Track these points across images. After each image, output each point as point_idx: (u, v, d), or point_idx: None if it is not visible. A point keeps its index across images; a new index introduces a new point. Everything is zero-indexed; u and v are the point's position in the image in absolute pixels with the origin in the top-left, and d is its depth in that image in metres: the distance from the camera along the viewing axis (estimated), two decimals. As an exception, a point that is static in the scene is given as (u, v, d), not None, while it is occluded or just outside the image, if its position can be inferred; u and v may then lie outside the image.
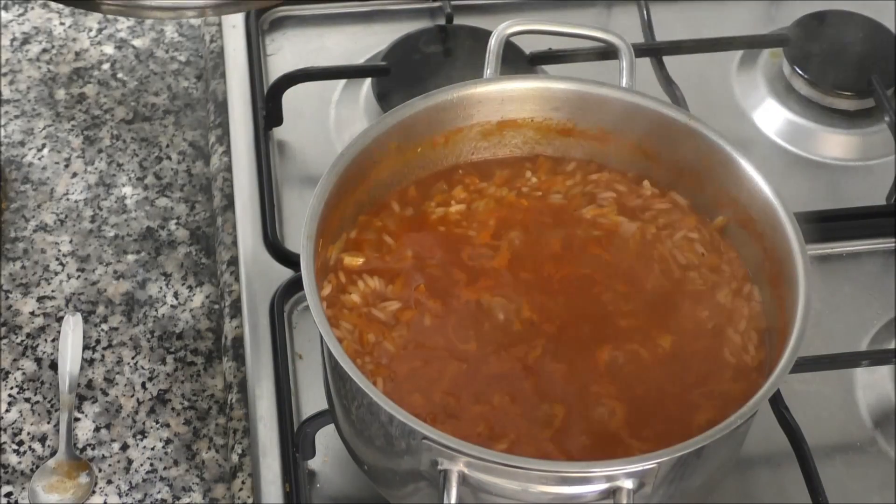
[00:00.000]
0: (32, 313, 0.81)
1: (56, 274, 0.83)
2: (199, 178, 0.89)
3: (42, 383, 0.78)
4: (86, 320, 0.80)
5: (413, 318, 0.60)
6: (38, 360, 0.79)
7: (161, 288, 0.82)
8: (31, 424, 0.76)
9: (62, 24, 0.98)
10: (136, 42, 0.97)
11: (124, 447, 0.75)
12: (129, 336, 0.80)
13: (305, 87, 0.89)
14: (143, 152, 0.90)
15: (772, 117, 0.93)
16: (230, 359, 0.77)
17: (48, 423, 0.76)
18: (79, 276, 0.83)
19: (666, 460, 0.55)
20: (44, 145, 0.90)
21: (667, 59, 0.93)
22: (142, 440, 0.75)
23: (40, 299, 0.81)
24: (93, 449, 0.75)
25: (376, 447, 0.63)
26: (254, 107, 0.89)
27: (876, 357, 0.77)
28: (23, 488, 0.73)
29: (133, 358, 0.79)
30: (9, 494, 0.73)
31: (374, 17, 0.98)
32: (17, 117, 0.91)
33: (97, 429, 0.76)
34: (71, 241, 0.84)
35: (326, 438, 0.73)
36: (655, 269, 0.63)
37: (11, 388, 0.77)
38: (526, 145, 0.70)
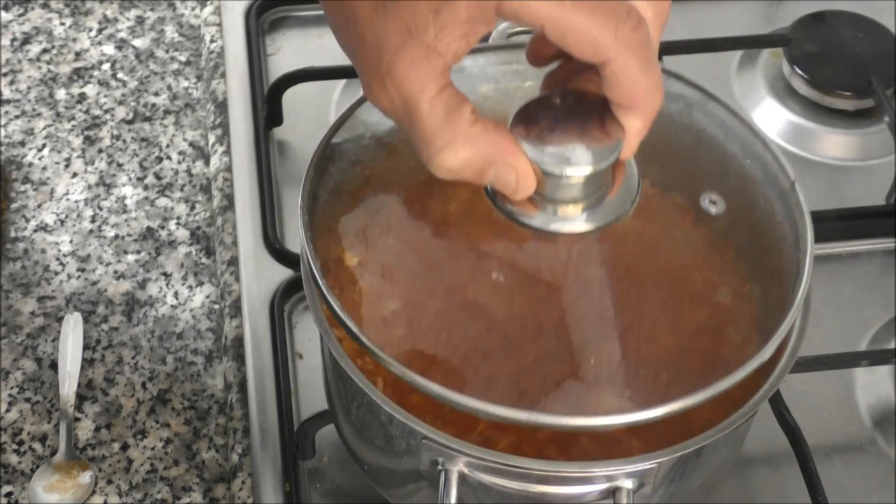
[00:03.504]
0: (32, 313, 0.81)
1: (56, 274, 0.83)
2: (199, 178, 0.89)
3: (42, 383, 0.78)
4: (86, 320, 0.80)
5: (414, 318, 0.60)
6: (38, 360, 0.79)
7: (161, 288, 0.82)
8: (31, 424, 0.76)
9: (62, 24, 0.98)
10: (136, 42, 0.97)
11: (124, 447, 0.75)
12: (129, 336, 0.80)
13: (305, 87, 0.89)
14: (143, 152, 0.90)
15: (772, 117, 0.93)
16: (230, 359, 0.77)
17: (48, 423, 0.76)
18: (79, 276, 0.83)
19: (666, 460, 0.55)
20: (44, 145, 0.90)
21: (667, 59, 0.93)
22: (142, 440, 0.75)
23: (40, 299, 0.81)
24: (93, 449, 0.75)
25: (376, 447, 0.63)
26: (254, 107, 0.89)
27: (876, 357, 0.77)
28: (23, 488, 0.73)
29: (133, 358, 0.79)
30: (9, 494, 0.73)
31: (374, 17, 0.98)
32: (17, 117, 0.91)
33: (97, 429, 0.76)
34: (71, 241, 0.85)
35: (326, 438, 0.73)
36: (655, 269, 0.63)
37: (11, 388, 0.77)
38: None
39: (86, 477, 0.73)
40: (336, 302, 0.57)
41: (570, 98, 0.57)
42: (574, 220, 0.57)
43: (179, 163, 0.90)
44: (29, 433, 0.76)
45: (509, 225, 0.59)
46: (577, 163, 0.55)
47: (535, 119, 0.57)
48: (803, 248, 0.62)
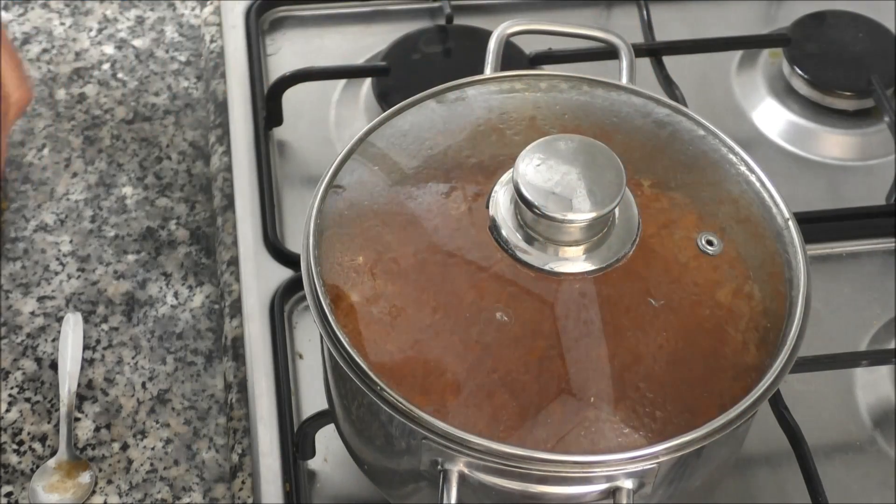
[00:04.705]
0: (32, 313, 0.81)
1: (56, 274, 0.83)
2: (199, 178, 0.89)
3: (42, 383, 0.78)
4: (86, 320, 0.80)
5: (414, 318, 0.60)
6: (38, 360, 0.79)
7: (161, 288, 0.82)
8: (31, 424, 0.76)
9: (62, 24, 0.98)
10: (136, 42, 0.97)
11: (124, 447, 0.75)
12: (129, 336, 0.80)
13: (305, 87, 0.89)
14: (143, 152, 0.90)
15: (772, 117, 0.93)
16: (230, 359, 0.77)
17: (48, 423, 0.76)
18: (79, 276, 0.83)
19: (666, 460, 0.55)
20: (44, 145, 0.90)
21: (667, 59, 0.93)
22: (142, 440, 0.75)
23: (40, 299, 0.81)
24: (93, 449, 0.75)
25: (376, 447, 0.63)
26: (254, 107, 0.89)
27: (876, 357, 0.77)
28: (23, 488, 0.73)
29: (133, 358, 0.79)
30: (9, 494, 0.73)
31: (374, 17, 0.98)
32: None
33: (97, 429, 0.76)
34: (71, 241, 0.85)
35: (326, 438, 0.73)
36: (655, 269, 0.63)
37: (11, 388, 0.77)
38: (527, 144, 0.70)
39: (86, 477, 0.73)
40: (346, 339, 0.58)
41: None
42: (576, 261, 0.59)
43: (179, 163, 0.90)
44: (29, 433, 0.76)
45: (513, 265, 0.60)
46: (579, 208, 0.57)
47: (539, 162, 0.59)
48: (799, 250, 0.63)
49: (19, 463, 0.74)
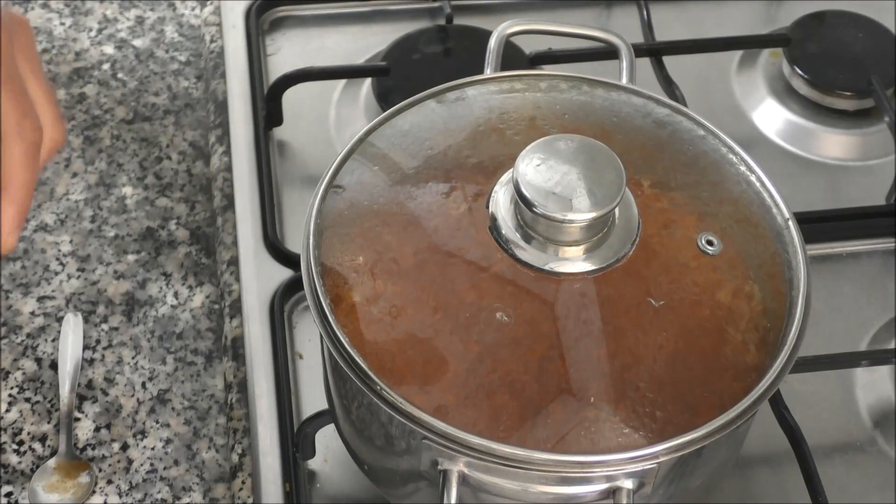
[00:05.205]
0: (32, 313, 0.81)
1: (56, 274, 0.83)
2: (199, 178, 0.89)
3: (42, 383, 0.78)
4: (86, 320, 0.80)
5: (414, 318, 0.60)
6: (38, 360, 0.79)
7: (161, 288, 0.82)
8: (31, 424, 0.76)
9: (62, 24, 0.98)
10: (136, 42, 0.97)
11: (124, 447, 0.75)
12: (129, 336, 0.80)
13: (305, 87, 0.89)
14: (143, 152, 0.90)
15: (771, 117, 0.94)
16: (230, 359, 0.77)
17: (48, 423, 0.76)
18: (79, 276, 0.83)
19: (666, 460, 0.55)
20: (44, 145, 0.90)
21: (667, 59, 0.93)
22: (142, 440, 0.75)
23: (40, 299, 0.81)
24: (93, 449, 0.75)
25: (376, 447, 0.63)
26: (254, 107, 0.89)
27: (876, 357, 0.77)
28: (23, 488, 0.73)
29: (133, 358, 0.79)
30: (9, 494, 0.73)
31: (374, 17, 0.98)
32: (17, 117, 0.91)
33: (97, 429, 0.76)
34: (71, 241, 0.85)
35: (326, 438, 0.73)
36: (655, 269, 0.63)
37: (11, 388, 0.77)
38: (527, 144, 0.70)
39: (86, 477, 0.73)
40: (346, 339, 0.58)
41: None
42: (576, 261, 0.59)
43: (179, 163, 0.90)
44: (29, 433, 0.76)
45: (514, 265, 0.60)
46: (579, 208, 0.57)
47: (539, 162, 0.58)
48: (799, 250, 0.63)
49: (19, 463, 0.74)
